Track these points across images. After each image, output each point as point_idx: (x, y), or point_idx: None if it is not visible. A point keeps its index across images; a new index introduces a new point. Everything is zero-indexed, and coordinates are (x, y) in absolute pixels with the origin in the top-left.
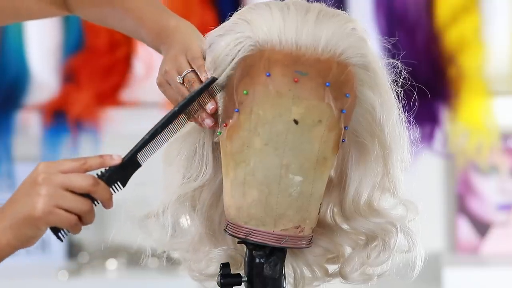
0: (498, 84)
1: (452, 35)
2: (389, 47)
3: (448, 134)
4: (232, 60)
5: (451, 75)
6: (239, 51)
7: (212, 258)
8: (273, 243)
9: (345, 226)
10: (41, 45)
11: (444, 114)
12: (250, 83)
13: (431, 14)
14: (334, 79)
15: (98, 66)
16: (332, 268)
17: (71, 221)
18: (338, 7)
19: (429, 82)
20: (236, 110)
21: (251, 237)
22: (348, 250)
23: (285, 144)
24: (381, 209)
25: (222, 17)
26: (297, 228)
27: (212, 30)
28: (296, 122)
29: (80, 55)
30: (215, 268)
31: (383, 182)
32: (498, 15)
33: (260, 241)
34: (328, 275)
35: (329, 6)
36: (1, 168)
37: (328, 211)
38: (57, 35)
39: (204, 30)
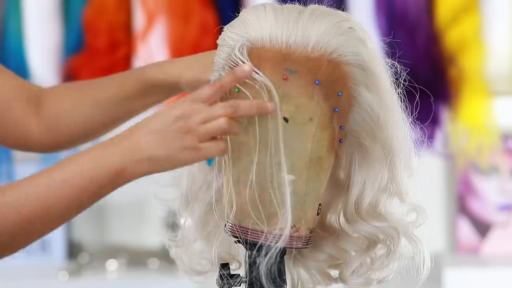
0: (499, 84)
1: (453, 36)
2: (387, 48)
3: (449, 134)
4: (226, 58)
5: (452, 75)
6: (232, 49)
7: (204, 257)
8: (267, 243)
9: (349, 230)
10: (41, 45)
11: (445, 115)
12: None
13: (431, 14)
14: (324, 77)
15: (98, 66)
16: (333, 272)
17: (220, 148)
18: (338, 7)
19: (429, 83)
20: None
21: (246, 236)
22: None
23: (276, 143)
24: (385, 213)
25: (222, 17)
26: (292, 228)
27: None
28: (286, 120)
29: (80, 55)
30: (204, 266)
31: (388, 186)
32: (499, 15)
33: (255, 240)
34: (330, 280)
35: (329, 6)
36: (1, 168)
37: (334, 215)
38: (57, 35)
39: (204, 29)
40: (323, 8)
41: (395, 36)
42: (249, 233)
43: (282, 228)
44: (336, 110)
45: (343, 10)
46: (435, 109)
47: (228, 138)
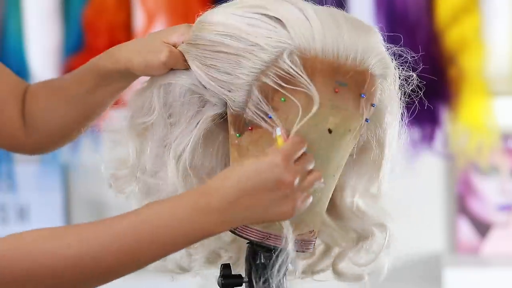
0: (499, 84)
1: (453, 36)
2: (406, 52)
3: (449, 134)
4: (266, 64)
5: (452, 75)
6: (276, 56)
7: (191, 253)
8: (295, 249)
9: (334, 224)
10: (41, 45)
11: (445, 115)
12: (289, 90)
13: (431, 14)
14: (367, 90)
15: None
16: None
17: (309, 202)
18: (339, 7)
19: (429, 83)
20: (269, 116)
21: (269, 241)
22: (321, 246)
23: (316, 153)
24: (366, 209)
25: None
26: (311, 232)
27: (228, 9)
28: (330, 131)
29: (80, 55)
30: (189, 263)
31: (372, 184)
32: (499, 15)
33: (276, 245)
34: (300, 271)
35: (329, 6)
36: (1, 168)
37: None
38: (57, 35)
39: None
40: (344, 12)
41: (395, 36)
42: (271, 238)
43: (304, 234)
44: (368, 120)
45: (342, 10)
46: (435, 109)
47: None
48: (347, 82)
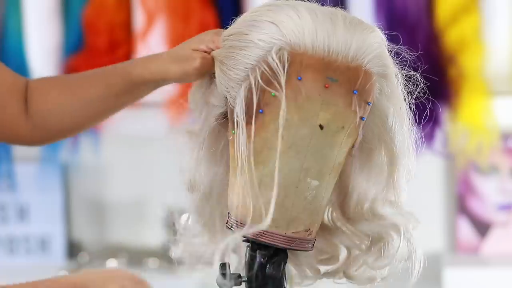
0: (498, 84)
1: (452, 35)
2: (409, 55)
3: (449, 134)
4: (258, 59)
5: (451, 75)
6: (267, 51)
7: (210, 249)
8: (283, 245)
9: (346, 228)
10: (41, 45)
11: (444, 114)
12: (279, 85)
13: (431, 14)
14: (361, 87)
15: (98, 66)
16: (323, 268)
17: None
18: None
19: (429, 82)
20: (261, 111)
21: (262, 238)
22: (343, 251)
23: (307, 149)
24: (384, 213)
25: (222, 17)
26: (307, 231)
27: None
28: (321, 127)
29: (80, 55)
30: (209, 257)
31: (387, 190)
32: (498, 15)
33: (271, 242)
34: (319, 274)
35: (329, 6)
36: (1, 168)
37: (327, 213)
38: (57, 35)
39: (204, 29)
40: (347, 13)
41: (395, 36)
42: (265, 235)
43: (299, 232)
44: (364, 118)
45: (343, 9)
46: (435, 109)
47: (252, 144)
48: (338, 78)
